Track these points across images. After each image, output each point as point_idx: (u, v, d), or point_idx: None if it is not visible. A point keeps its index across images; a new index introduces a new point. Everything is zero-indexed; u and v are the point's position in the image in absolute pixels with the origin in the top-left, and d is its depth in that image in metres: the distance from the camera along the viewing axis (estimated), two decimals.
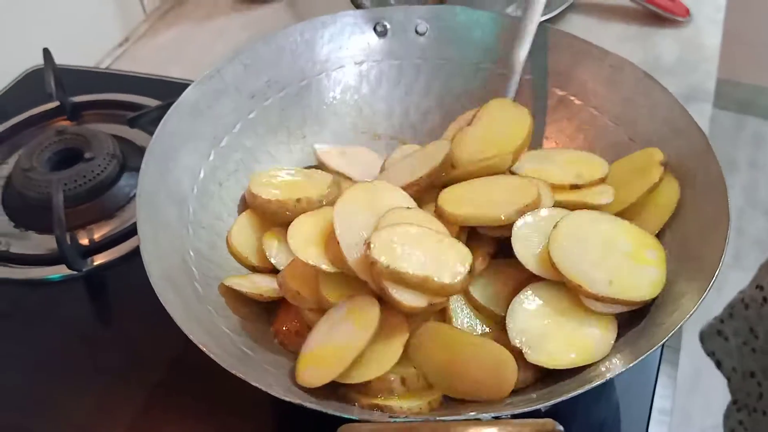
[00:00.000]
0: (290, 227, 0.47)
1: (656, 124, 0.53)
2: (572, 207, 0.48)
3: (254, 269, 0.51)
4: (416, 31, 0.62)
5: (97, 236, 0.61)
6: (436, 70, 0.62)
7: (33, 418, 0.50)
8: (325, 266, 0.45)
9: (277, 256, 0.50)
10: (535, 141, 0.57)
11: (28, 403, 0.51)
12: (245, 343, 0.45)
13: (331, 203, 0.49)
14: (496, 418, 0.35)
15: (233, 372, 0.38)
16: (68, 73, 0.76)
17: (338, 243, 0.44)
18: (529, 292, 0.45)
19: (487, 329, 0.46)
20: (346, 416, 0.36)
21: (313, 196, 0.50)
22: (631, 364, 0.38)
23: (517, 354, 0.42)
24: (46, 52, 0.73)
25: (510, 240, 0.46)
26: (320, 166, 0.58)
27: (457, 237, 0.46)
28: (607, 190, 0.50)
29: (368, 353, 0.42)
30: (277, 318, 0.49)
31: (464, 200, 0.49)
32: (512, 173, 0.52)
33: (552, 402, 0.37)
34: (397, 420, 0.34)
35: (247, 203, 0.53)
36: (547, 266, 0.44)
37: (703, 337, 0.79)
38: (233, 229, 0.52)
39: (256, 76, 0.58)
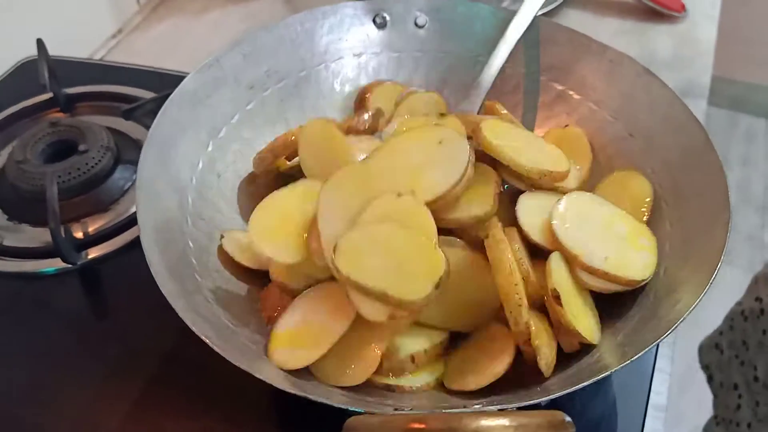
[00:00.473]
0: (251, 217, 0.46)
1: (656, 119, 0.53)
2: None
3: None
4: (416, 24, 0.62)
5: (91, 229, 0.60)
6: (434, 62, 0.62)
7: (28, 411, 0.49)
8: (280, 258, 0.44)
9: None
10: None
11: (23, 395, 0.50)
12: (246, 335, 0.45)
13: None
14: (501, 410, 0.34)
15: (237, 365, 0.37)
16: (62, 64, 0.75)
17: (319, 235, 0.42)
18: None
19: None
20: (352, 409, 0.35)
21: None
22: (633, 358, 0.38)
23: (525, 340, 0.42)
24: (40, 43, 0.72)
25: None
26: None
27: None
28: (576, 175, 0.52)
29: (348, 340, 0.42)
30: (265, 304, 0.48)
31: (505, 139, 0.49)
32: None
33: (556, 395, 0.38)
34: (404, 412, 0.33)
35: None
36: (547, 235, 0.46)
37: (701, 350, 0.79)
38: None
39: (256, 66, 0.57)
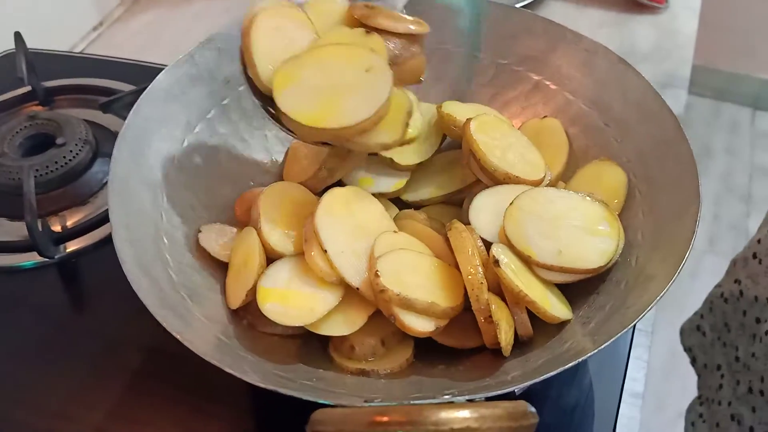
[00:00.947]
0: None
1: (630, 109, 0.53)
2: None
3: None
4: None
5: (69, 223, 0.60)
6: None
7: (9, 405, 0.49)
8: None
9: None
10: None
11: (3, 390, 0.50)
12: (220, 329, 0.45)
13: None
14: (470, 400, 0.35)
15: (208, 359, 0.38)
16: (41, 57, 0.75)
17: (325, 252, 0.44)
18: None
19: None
20: (320, 401, 0.36)
21: None
22: (602, 346, 0.39)
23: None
24: (18, 36, 0.72)
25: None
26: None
27: None
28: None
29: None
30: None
31: (490, 135, 0.52)
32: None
33: (526, 384, 0.38)
34: (372, 404, 0.34)
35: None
36: (502, 237, 0.46)
37: (683, 333, 0.80)
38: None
39: (231, 61, 0.57)
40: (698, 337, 0.77)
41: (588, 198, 0.48)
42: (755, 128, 1.96)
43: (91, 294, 0.57)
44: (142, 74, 0.72)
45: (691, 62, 0.79)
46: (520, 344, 0.45)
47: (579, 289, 0.46)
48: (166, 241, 0.48)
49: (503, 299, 0.45)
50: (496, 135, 0.52)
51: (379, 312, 0.44)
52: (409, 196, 0.54)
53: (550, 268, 0.45)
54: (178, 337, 0.38)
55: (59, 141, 0.64)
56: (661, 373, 1.30)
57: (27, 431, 0.48)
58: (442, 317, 0.44)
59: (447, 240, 0.46)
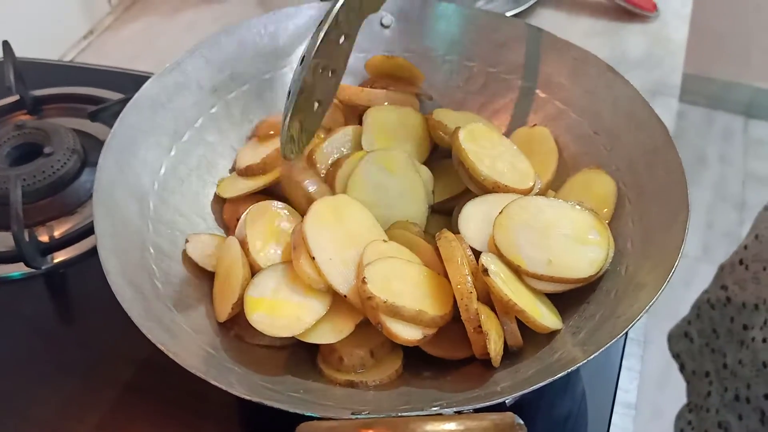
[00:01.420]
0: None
1: (619, 117, 0.53)
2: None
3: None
4: (381, 24, 0.61)
5: (57, 233, 0.60)
6: None
7: None
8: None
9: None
10: None
11: None
12: (207, 341, 0.44)
13: None
14: (459, 412, 0.34)
15: (193, 371, 0.37)
16: (29, 66, 0.74)
17: (313, 259, 0.44)
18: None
19: None
20: (307, 414, 0.35)
21: None
22: (592, 356, 0.38)
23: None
24: (6, 45, 0.71)
25: None
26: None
27: None
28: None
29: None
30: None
31: (479, 144, 0.52)
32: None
33: (516, 395, 0.38)
34: (359, 417, 0.33)
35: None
36: (491, 247, 0.46)
37: (671, 339, 0.80)
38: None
39: (219, 70, 0.57)
40: (686, 343, 0.77)
41: (577, 207, 0.48)
42: (748, 136, 1.97)
43: (79, 305, 0.57)
44: (132, 83, 0.72)
45: (682, 70, 0.79)
46: (510, 354, 0.44)
47: (569, 298, 0.46)
48: (152, 250, 0.48)
49: (493, 309, 0.44)
50: (485, 144, 0.52)
51: (368, 323, 0.44)
52: None
53: (539, 277, 0.45)
54: (163, 349, 0.38)
55: (47, 150, 0.63)
56: (656, 383, 1.29)
57: None
58: (430, 326, 0.44)
59: (437, 249, 0.46)
